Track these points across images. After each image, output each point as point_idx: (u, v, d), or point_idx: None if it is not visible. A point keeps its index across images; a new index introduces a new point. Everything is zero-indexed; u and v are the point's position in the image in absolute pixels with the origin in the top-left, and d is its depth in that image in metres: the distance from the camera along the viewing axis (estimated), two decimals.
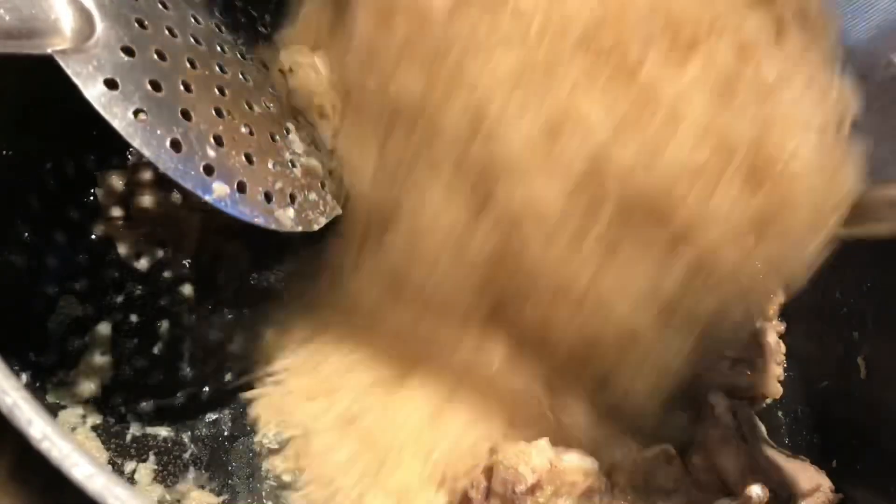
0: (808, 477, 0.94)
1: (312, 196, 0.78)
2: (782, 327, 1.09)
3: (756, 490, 0.91)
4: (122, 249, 0.99)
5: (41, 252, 0.92)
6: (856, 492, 0.93)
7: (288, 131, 0.80)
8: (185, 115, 0.68)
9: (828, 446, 1.00)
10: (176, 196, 0.98)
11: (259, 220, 0.72)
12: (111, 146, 1.02)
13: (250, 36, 0.84)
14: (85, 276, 0.96)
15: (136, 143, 0.64)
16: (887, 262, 0.94)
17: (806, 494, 0.93)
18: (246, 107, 0.75)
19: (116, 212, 1.00)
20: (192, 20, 0.74)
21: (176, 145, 0.66)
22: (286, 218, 0.74)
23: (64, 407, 0.88)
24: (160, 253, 0.98)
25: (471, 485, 0.84)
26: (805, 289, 1.06)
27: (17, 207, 0.89)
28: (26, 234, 0.90)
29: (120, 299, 0.97)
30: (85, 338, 0.93)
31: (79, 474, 0.49)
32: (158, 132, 0.65)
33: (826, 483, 0.94)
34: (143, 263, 0.98)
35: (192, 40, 0.73)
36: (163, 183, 0.98)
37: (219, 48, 0.76)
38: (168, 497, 0.86)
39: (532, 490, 0.83)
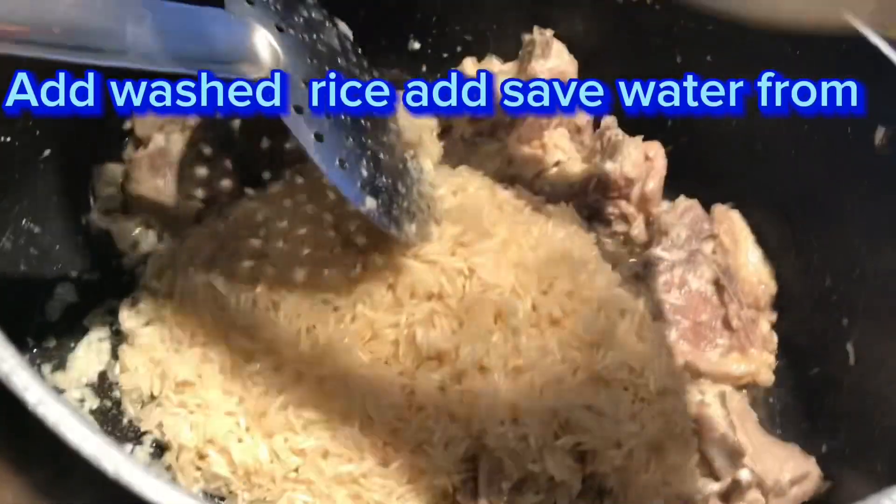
0: (797, 464, 0.95)
1: (423, 216, 0.90)
2: (774, 316, 1.10)
3: (744, 475, 0.92)
4: (118, 236, 1.00)
5: (39, 239, 0.93)
6: (845, 476, 0.94)
7: (406, 161, 0.93)
8: (346, 139, 0.80)
9: (818, 432, 1.00)
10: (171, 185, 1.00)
11: (393, 232, 0.83)
12: (108, 136, 1.04)
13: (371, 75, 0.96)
14: (82, 263, 0.97)
15: (317, 158, 0.76)
16: (877, 248, 0.95)
17: (794, 482, 0.94)
18: (381, 137, 0.88)
19: (113, 200, 1.01)
20: (339, 60, 0.87)
21: (342, 163, 0.78)
22: (411, 232, 0.86)
23: (62, 391, 0.89)
24: (156, 239, 1.00)
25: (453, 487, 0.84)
26: (796, 277, 1.08)
27: (16, 194, 0.90)
28: (24, 221, 0.91)
29: (116, 285, 0.98)
30: (82, 323, 0.94)
31: (74, 437, 0.50)
32: (331, 151, 0.77)
33: (815, 471, 0.95)
34: (139, 250, 0.99)
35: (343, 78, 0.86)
36: (158, 171, 1.00)
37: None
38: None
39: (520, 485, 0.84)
